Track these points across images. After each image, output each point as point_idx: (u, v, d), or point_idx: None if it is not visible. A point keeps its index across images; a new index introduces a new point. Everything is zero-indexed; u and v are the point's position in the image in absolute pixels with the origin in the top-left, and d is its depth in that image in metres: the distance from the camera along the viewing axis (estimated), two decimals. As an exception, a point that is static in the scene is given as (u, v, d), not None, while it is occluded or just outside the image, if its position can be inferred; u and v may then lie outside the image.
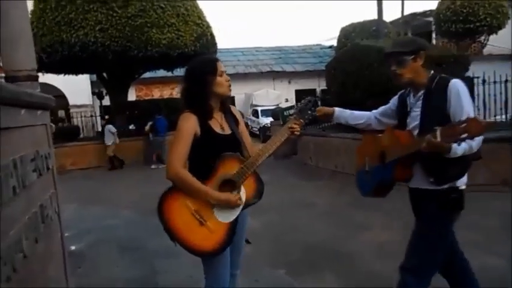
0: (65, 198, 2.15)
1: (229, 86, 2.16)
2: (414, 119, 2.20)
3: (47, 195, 1.81)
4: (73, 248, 4.30)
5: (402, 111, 2.29)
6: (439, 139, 1.81)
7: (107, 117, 13.17)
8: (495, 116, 8.12)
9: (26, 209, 1.42)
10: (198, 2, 12.79)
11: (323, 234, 4.55)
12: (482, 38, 13.06)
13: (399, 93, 2.43)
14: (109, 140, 12.08)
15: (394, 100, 2.45)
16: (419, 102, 2.18)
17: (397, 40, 2.48)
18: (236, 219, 2.07)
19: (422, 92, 2.18)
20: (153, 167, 11.62)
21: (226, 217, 2.05)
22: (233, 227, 2.06)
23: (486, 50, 14.13)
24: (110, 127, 12.18)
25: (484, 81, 7.81)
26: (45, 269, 1.66)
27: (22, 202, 1.37)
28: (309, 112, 2.19)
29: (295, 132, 2.13)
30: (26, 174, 1.44)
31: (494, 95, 7.71)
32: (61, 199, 2.12)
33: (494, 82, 7.67)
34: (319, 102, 2.27)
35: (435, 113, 2.10)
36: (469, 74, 7.89)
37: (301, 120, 2.17)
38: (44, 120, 1.91)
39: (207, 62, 2.18)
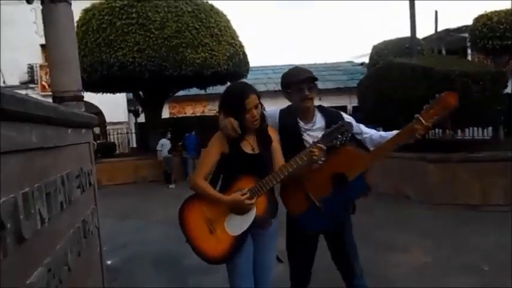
0: (102, 213, 2.24)
1: (255, 121, 2.21)
2: (314, 138, 2.36)
3: (89, 211, 1.89)
4: (109, 262, 4.40)
5: (293, 132, 2.43)
6: (426, 123, 2.14)
7: (161, 129, 13.19)
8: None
9: (70, 223, 1.50)
10: (231, 22, 13.08)
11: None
12: (522, 54, 12.65)
13: (279, 112, 2.52)
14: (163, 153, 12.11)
15: (272, 119, 2.48)
16: (316, 125, 2.45)
17: (305, 69, 2.51)
18: (244, 234, 2.17)
19: (316, 117, 2.47)
20: (170, 186, 11.64)
21: (234, 230, 2.17)
22: (239, 241, 2.17)
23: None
24: (166, 142, 12.25)
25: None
26: (85, 282, 1.73)
27: (68, 217, 1.45)
28: (335, 139, 2.15)
29: (314, 157, 2.12)
30: (72, 191, 1.52)
31: (536, 113, 7.43)
32: (99, 214, 2.21)
33: (536, 99, 7.41)
34: (352, 128, 2.24)
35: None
36: (508, 90, 7.65)
37: (322, 146, 2.13)
38: (87, 139, 2.01)
39: (238, 99, 2.19)
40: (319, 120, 2.48)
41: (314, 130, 2.44)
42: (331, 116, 2.51)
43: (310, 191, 2.34)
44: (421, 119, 2.16)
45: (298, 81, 2.38)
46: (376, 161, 2.33)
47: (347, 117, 2.49)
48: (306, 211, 2.36)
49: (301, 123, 2.46)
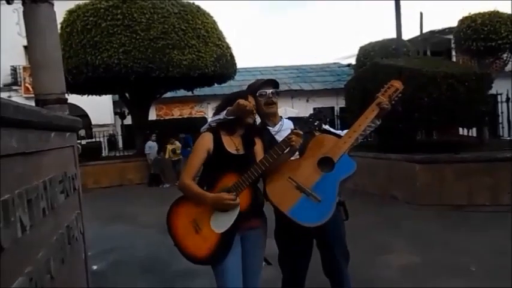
0: (87, 217, 2.19)
1: (251, 113, 2.32)
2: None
3: (73, 216, 1.85)
4: (95, 267, 4.33)
5: (266, 137, 2.49)
6: (387, 100, 2.48)
7: (148, 132, 13.19)
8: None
9: (53, 230, 1.45)
10: (218, 23, 13.04)
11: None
12: (505, 55, 12.84)
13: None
14: (151, 155, 12.32)
15: None
16: (284, 126, 2.53)
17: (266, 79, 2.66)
18: (230, 232, 2.14)
19: (283, 120, 2.59)
20: (160, 186, 11.87)
21: (219, 227, 2.15)
22: (225, 239, 2.14)
23: (509, 67, 13.89)
24: (153, 144, 12.37)
25: (508, 98, 7.67)
26: (70, 290, 1.68)
27: (51, 223, 1.40)
28: (312, 125, 2.23)
29: (292, 143, 2.16)
30: (55, 196, 1.47)
31: (519, 113, 7.55)
32: (84, 218, 2.16)
33: (519, 100, 7.52)
34: (327, 118, 2.35)
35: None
36: (492, 91, 7.76)
37: (299, 131, 2.19)
38: (71, 142, 1.96)
39: (240, 94, 2.41)
40: (286, 123, 2.57)
41: (283, 130, 2.50)
42: (299, 120, 2.60)
43: (300, 180, 2.26)
44: (381, 97, 2.51)
45: (260, 85, 2.48)
46: (355, 137, 2.42)
47: None
48: (298, 203, 2.21)
49: (270, 128, 2.54)
